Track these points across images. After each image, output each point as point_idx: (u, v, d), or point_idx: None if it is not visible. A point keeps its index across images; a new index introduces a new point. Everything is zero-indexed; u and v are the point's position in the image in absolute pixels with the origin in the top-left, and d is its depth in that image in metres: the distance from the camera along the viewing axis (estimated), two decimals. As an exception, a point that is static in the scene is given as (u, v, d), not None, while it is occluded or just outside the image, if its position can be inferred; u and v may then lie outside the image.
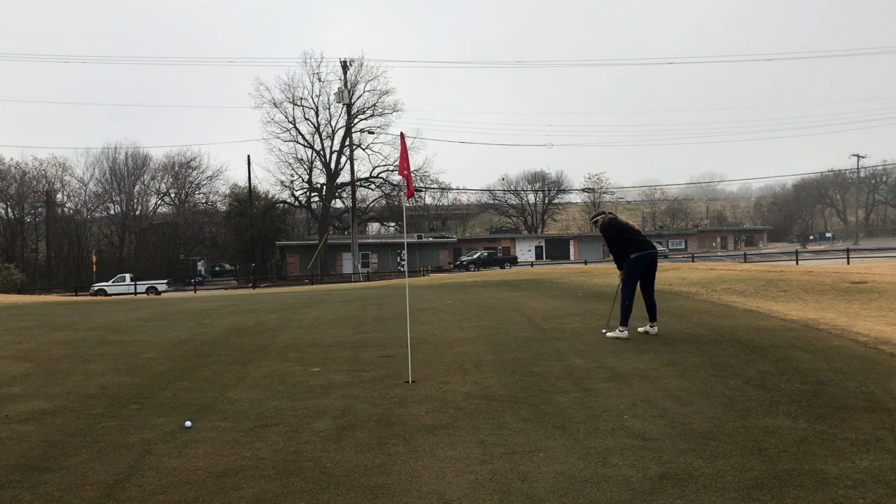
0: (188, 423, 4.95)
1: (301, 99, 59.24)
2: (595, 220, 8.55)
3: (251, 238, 60.21)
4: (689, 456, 3.96)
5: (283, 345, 8.55)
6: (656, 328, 8.16)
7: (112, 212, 65.34)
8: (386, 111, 59.26)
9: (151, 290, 45.32)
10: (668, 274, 17.96)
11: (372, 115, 58.98)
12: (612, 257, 8.33)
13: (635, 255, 7.97)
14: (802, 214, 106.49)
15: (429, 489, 3.62)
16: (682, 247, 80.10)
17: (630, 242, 8.06)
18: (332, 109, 59.30)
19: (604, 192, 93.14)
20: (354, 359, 7.39)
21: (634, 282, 8.01)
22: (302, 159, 60.60)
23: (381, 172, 59.95)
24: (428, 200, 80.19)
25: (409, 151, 7.11)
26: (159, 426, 4.95)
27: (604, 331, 8.32)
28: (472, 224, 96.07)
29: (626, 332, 7.88)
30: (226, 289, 47.07)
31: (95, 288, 46.66)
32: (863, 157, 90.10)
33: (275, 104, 58.73)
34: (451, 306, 12.43)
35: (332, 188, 61.21)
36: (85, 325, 11.72)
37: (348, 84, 54.26)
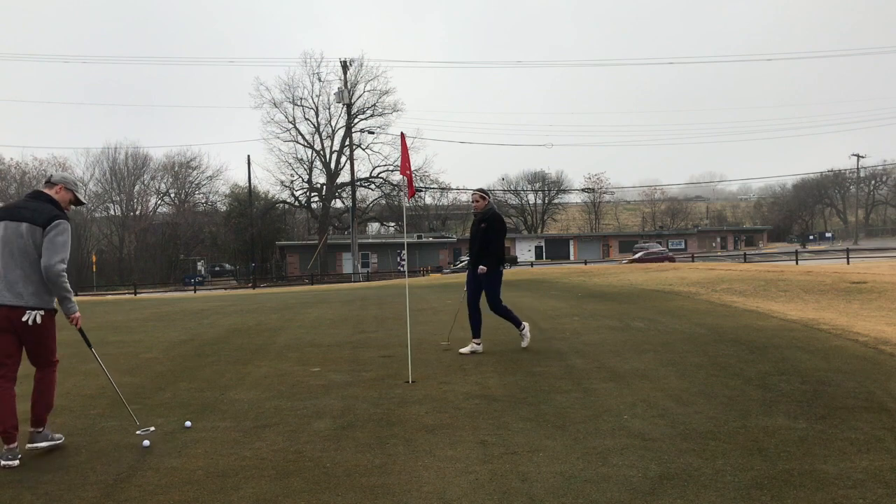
0: (188, 423, 4.95)
1: (301, 99, 59.33)
2: (480, 198, 7.40)
3: (251, 238, 60.21)
4: (689, 456, 3.96)
5: (283, 345, 8.55)
6: (481, 346, 7.48)
7: (112, 212, 65.25)
8: (386, 111, 59.33)
9: None
10: (668, 274, 17.97)
11: (372, 115, 59.06)
12: (483, 254, 7.29)
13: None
14: (802, 214, 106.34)
15: (429, 489, 3.62)
16: (682, 247, 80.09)
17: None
18: (332, 109, 59.36)
19: (604, 192, 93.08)
20: (354, 359, 7.40)
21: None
22: (302, 159, 60.67)
23: (381, 172, 60.01)
24: (428, 200, 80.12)
25: (409, 151, 7.11)
26: (159, 426, 4.95)
27: (444, 343, 7.94)
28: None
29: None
30: (226, 289, 47.00)
31: None
32: (863, 157, 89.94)
33: (275, 104, 58.80)
34: (451, 306, 12.43)
35: (332, 188, 61.20)
36: (85, 324, 11.70)
37: (348, 84, 54.21)
